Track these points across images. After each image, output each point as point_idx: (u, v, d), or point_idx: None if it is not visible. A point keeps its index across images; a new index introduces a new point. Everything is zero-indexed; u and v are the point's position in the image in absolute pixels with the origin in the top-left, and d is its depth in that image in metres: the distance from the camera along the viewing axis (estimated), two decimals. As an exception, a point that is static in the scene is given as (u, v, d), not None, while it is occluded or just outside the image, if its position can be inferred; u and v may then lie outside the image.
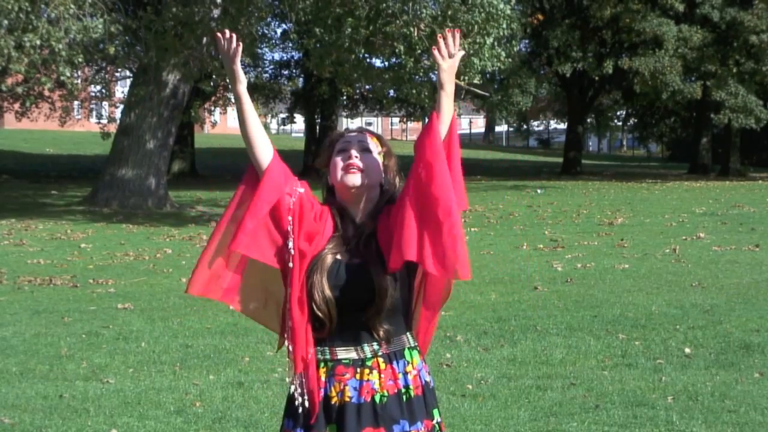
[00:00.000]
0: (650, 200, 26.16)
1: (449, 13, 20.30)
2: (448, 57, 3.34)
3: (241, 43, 3.34)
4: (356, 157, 3.36)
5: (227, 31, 3.35)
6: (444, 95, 3.34)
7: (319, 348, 3.28)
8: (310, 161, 37.69)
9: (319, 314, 3.24)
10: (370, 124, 78.50)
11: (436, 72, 3.37)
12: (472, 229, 18.98)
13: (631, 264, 14.16)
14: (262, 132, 3.40)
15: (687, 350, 8.56)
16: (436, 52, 3.32)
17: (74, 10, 18.81)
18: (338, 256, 3.30)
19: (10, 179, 31.04)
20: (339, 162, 3.38)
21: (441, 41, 3.34)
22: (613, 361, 8.29)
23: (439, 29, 20.12)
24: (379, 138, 3.48)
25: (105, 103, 34.96)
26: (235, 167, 40.97)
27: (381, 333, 3.26)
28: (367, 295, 3.24)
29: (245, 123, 3.38)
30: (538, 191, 29.20)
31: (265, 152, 3.37)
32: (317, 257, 3.28)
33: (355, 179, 3.35)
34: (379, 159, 3.42)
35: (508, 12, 20.77)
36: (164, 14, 20.87)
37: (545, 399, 7.14)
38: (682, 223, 20.18)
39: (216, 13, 21.66)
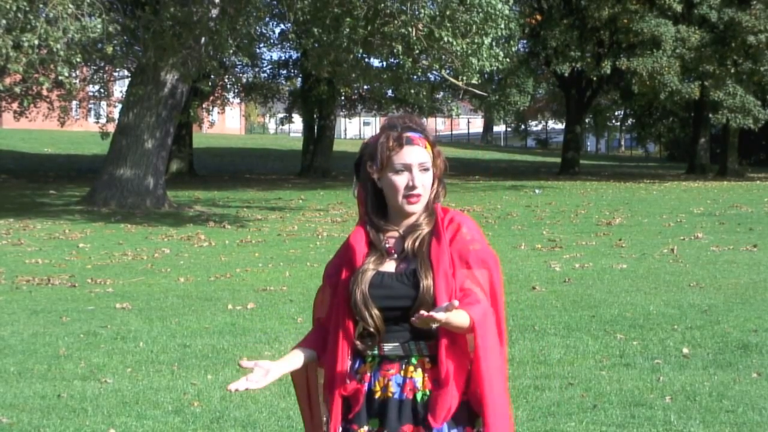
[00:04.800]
0: (648, 200, 26.17)
1: (447, 13, 20.31)
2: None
3: (260, 370, 3.38)
4: (421, 186, 3.24)
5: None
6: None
7: (369, 343, 3.27)
8: (308, 161, 37.68)
9: (370, 329, 3.21)
10: (368, 124, 78.48)
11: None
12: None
13: (629, 264, 14.17)
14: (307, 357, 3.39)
15: (685, 350, 8.56)
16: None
17: (72, 10, 18.79)
18: (381, 268, 3.25)
19: (9, 179, 31.05)
20: (399, 187, 3.24)
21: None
22: (611, 361, 8.29)
23: (438, 29, 20.16)
24: (428, 140, 3.30)
25: (103, 103, 34.97)
26: (233, 167, 40.99)
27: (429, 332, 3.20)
28: (414, 295, 3.18)
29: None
30: (536, 191, 29.20)
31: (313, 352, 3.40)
32: (355, 274, 3.24)
33: (416, 208, 3.27)
34: (432, 171, 3.29)
35: (507, 12, 20.79)
36: (162, 14, 20.86)
37: (543, 399, 7.13)
38: (680, 223, 20.18)
39: (214, 12, 21.66)
